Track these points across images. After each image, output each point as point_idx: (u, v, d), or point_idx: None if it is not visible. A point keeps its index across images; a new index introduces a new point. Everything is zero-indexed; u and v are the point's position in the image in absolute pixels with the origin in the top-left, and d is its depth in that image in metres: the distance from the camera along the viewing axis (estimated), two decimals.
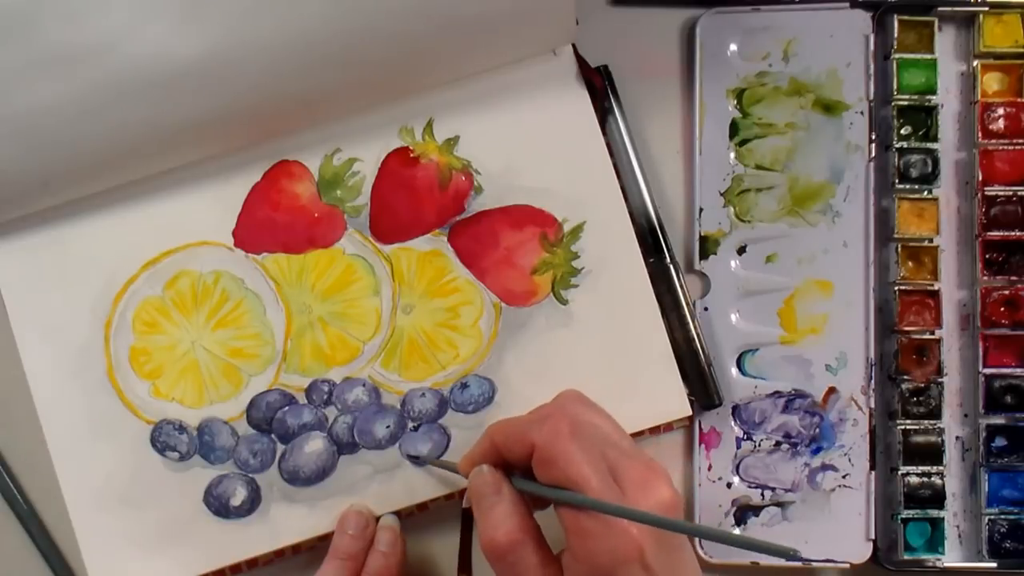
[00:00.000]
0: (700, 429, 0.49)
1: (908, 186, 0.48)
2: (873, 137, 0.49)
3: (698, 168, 0.49)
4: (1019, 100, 0.49)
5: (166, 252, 0.48)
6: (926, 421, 0.48)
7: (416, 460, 0.47)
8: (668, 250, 0.48)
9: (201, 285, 0.48)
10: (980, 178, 0.49)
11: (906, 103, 0.49)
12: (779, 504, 0.48)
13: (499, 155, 0.48)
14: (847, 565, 0.48)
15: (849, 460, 0.48)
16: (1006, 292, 0.48)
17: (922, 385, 0.48)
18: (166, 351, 0.48)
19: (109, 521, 0.47)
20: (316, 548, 0.48)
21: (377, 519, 0.47)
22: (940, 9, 0.49)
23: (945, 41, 0.50)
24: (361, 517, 0.46)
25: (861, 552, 0.48)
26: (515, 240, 0.48)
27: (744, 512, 0.48)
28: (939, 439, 0.48)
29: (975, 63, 0.49)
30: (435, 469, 0.47)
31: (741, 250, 0.49)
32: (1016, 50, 0.49)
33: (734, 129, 0.49)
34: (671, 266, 0.48)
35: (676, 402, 0.47)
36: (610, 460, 0.37)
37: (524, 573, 0.38)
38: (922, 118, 0.49)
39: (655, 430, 0.48)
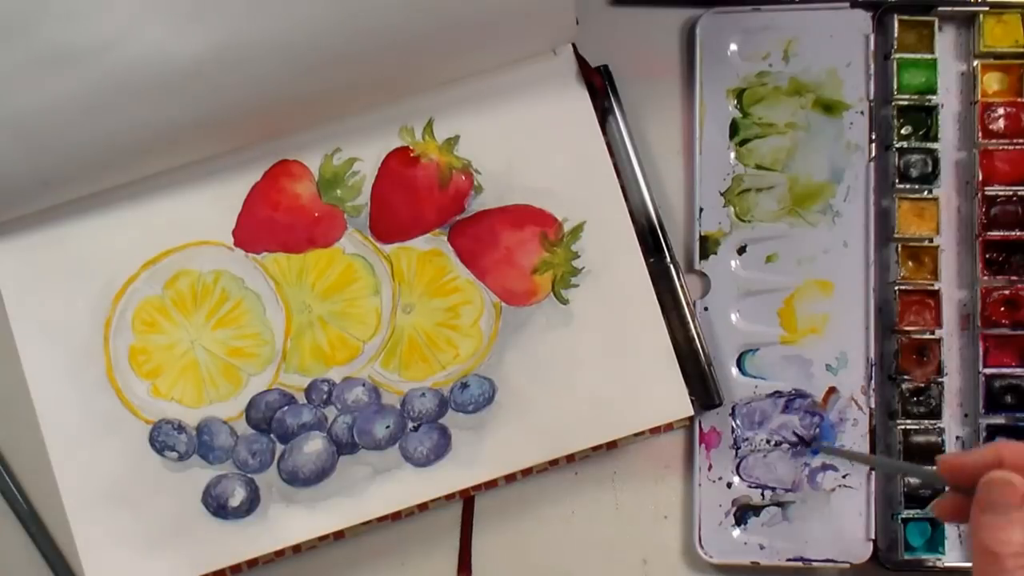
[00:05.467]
0: (700, 429, 0.48)
1: (908, 186, 0.48)
2: (873, 137, 0.49)
3: (698, 168, 0.49)
4: (1019, 100, 0.49)
5: (166, 252, 0.48)
6: (926, 421, 0.48)
7: (833, 451, 0.47)
8: (668, 250, 0.48)
9: (201, 285, 0.48)
10: (980, 178, 0.49)
11: (906, 103, 0.49)
12: (779, 504, 0.48)
13: (499, 155, 0.48)
14: (847, 565, 0.48)
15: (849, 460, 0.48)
16: (1006, 292, 0.48)
17: (922, 385, 0.48)
18: (165, 351, 0.48)
19: (107, 521, 0.46)
20: (316, 548, 0.48)
21: None
22: (940, 9, 0.49)
23: (945, 41, 0.50)
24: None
25: (861, 552, 0.48)
26: (515, 240, 0.48)
27: (744, 512, 0.48)
28: (939, 439, 0.48)
29: (975, 63, 0.49)
30: (435, 473, 0.47)
31: (741, 250, 0.49)
32: (1016, 50, 0.49)
33: (734, 129, 0.49)
34: (671, 266, 0.48)
35: (677, 402, 0.47)
36: None
37: None
38: (922, 118, 0.49)
39: (655, 430, 0.48)
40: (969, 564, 0.48)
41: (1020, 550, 0.35)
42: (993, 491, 0.36)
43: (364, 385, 0.48)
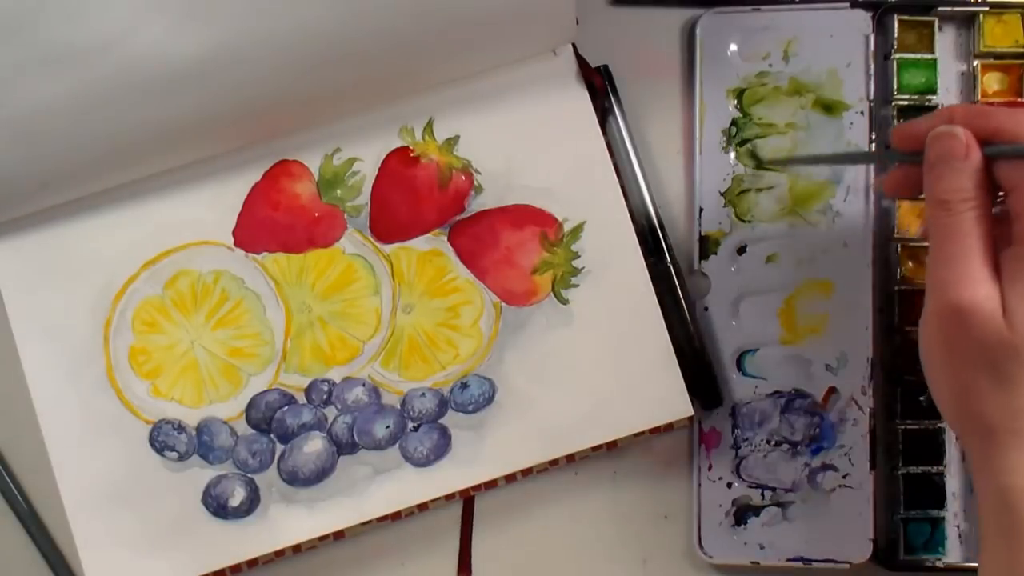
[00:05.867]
0: (700, 429, 0.48)
1: None
2: (873, 137, 0.49)
3: (698, 168, 0.49)
4: (1019, 100, 0.49)
5: (166, 252, 0.48)
6: (926, 421, 0.48)
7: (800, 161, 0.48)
8: (668, 250, 0.48)
9: (201, 285, 0.48)
10: None
11: (906, 103, 0.49)
12: (779, 504, 0.48)
13: (499, 155, 0.48)
14: (847, 565, 0.48)
15: (849, 460, 0.48)
16: None
17: (922, 385, 0.48)
18: (165, 351, 0.48)
19: (107, 521, 0.46)
20: (316, 548, 0.48)
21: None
22: (940, 9, 0.49)
23: (945, 41, 0.50)
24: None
25: (861, 552, 0.48)
26: (515, 240, 0.48)
27: (744, 512, 0.48)
28: (939, 438, 0.48)
29: (975, 63, 0.49)
30: (434, 472, 0.47)
31: (741, 250, 0.49)
32: (1016, 50, 0.49)
33: (734, 129, 0.50)
34: (671, 266, 0.48)
35: (677, 402, 0.47)
36: None
37: (965, 239, 0.37)
38: None
39: (655, 430, 0.48)
40: (970, 564, 0.48)
41: (967, 196, 0.37)
42: (940, 144, 0.38)
43: (364, 385, 0.48)
